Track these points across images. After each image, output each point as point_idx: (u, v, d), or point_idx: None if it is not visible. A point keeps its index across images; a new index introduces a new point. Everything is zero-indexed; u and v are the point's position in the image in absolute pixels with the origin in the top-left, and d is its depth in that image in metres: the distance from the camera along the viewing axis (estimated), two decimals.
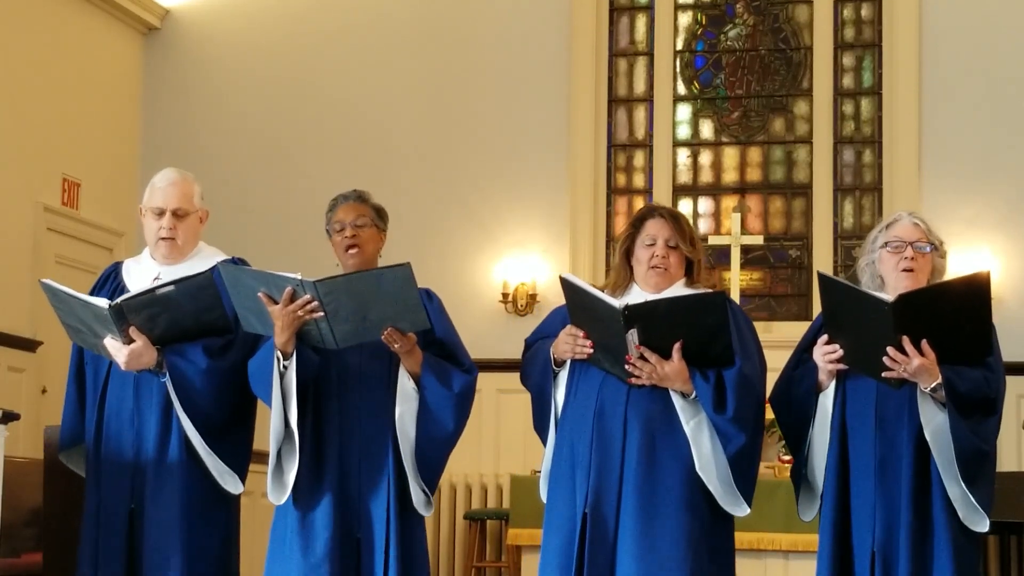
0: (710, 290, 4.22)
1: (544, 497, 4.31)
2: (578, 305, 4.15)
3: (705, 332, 4.02)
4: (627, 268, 4.32)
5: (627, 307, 3.98)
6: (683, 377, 4.04)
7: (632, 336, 3.99)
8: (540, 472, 4.39)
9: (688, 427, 4.08)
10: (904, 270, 4.12)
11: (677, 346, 4.02)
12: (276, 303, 4.12)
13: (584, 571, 4.07)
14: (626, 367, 4.05)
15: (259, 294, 4.13)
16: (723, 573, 4.16)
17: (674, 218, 4.28)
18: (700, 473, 4.06)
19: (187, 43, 9.94)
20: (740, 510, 4.12)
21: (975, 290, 3.92)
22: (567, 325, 4.19)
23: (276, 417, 4.23)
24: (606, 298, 4.06)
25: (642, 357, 4.03)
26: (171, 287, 4.25)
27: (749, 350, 4.14)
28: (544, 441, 4.36)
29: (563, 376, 4.27)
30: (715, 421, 4.05)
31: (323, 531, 4.26)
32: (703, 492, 4.09)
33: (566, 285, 4.15)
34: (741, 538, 6.94)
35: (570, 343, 4.14)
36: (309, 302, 4.09)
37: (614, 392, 4.13)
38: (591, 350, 4.11)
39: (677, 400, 4.08)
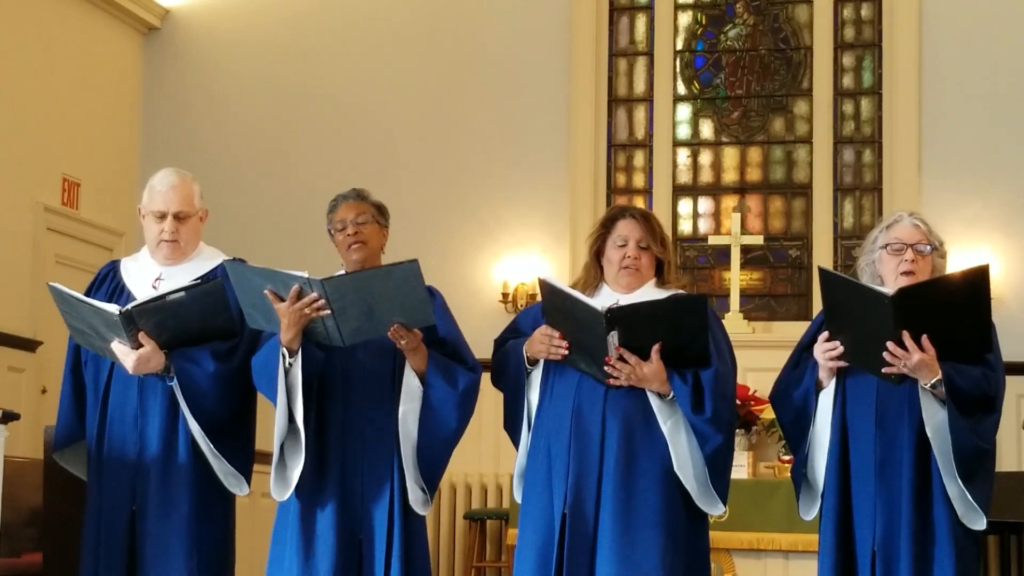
0: (682, 291, 4.25)
1: (518, 497, 4.32)
2: (556, 307, 4.16)
3: (685, 334, 4.05)
4: (597, 268, 4.34)
5: (610, 310, 3.99)
6: (661, 378, 4.07)
7: (612, 338, 4.01)
8: (514, 472, 4.40)
9: (665, 427, 4.11)
10: (904, 272, 4.12)
11: (656, 347, 4.04)
12: (282, 301, 4.12)
13: (564, 571, 4.08)
14: (605, 368, 4.05)
15: (265, 292, 4.13)
16: (699, 572, 4.18)
17: (645, 219, 4.31)
18: (677, 472, 4.09)
19: (187, 43, 9.94)
20: (716, 509, 4.16)
21: (975, 283, 3.92)
22: (541, 325, 4.20)
23: (280, 414, 4.23)
24: (587, 300, 4.08)
25: (621, 358, 4.03)
26: (182, 294, 4.24)
27: (722, 351, 4.18)
28: (515, 441, 4.37)
29: (536, 375, 4.28)
30: (693, 421, 4.08)
31: (325, 531, 4.27)
32: (680, 492, 4.12)
33: (544, 287, 4.16)
34: (741, 538, 6.99)
35: (545, 343, 4.15)
36: (316, 300, 4.09)
37: (592, 392, 4.15)
38: (567, 351, 4.12)
39: (654, 400, 4.11)
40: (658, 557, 4.04)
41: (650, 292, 4.26)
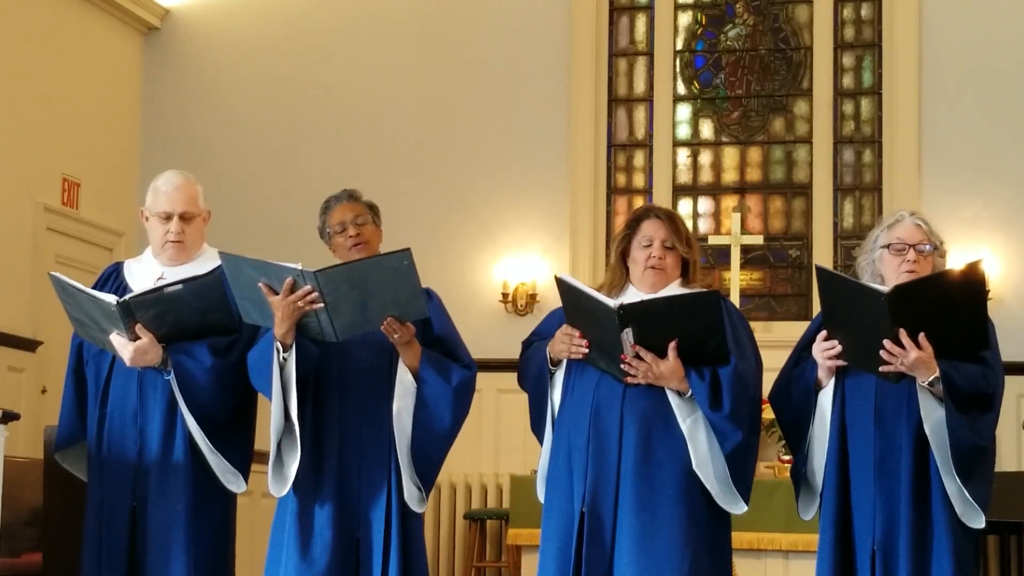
0: (705, 289, 4.23)
1: (541, 497, 4.32)
2: (573, 305, 4.16)
3: (700, 331, 4.03)
4: (623, 268, 4.34)
5: (622, 306, 3.99)
6: (679, 376, 4.05)
7: (627, 335, 4.01)
8: (537, 472, 4.40)
9: (684, 425, 4.09)
10: (907, 272, 4.12)
11: (672, 345, 4.03)
12: (276, 294, 4.13)
13: (582, 570, 4.08)
14: (622, 366, 4.05)
15: (259, 284, 4.13)
16: (719, 571, 4.16)
17: (670, 219, 4.30)
18: (697, 471, 4.07)
19: (187, 43, 9.94)
20: (737, 508, 4.12)
21: (970, 279, 3.92)
22: (563, 325, 4.20)
23: (276, 409, 4.23)
24: (601, 298, 4.07)
25: (638, 356, 4.03)
26: (179, 286, 4.26)
27: (744, 348, 4.16)
28: (541, 441, 4.37)
29: (559, 376, 4.28)
30: (711, 419, 4.06)
31: (323, 531, 4.27)
32: (700, 490, 4.09)
33: (562, 285, 4.16)
34: (741, 538, 6.99)
35: (566, 342, 4.15)
36: (309, 292, 4.09)
37: (610, 391, 4.14)
38: (587, 350, 4.12)
39: (673, 398, 4.09)
40: (676, 556, 4.02)
41: (674, 292, 4.25)
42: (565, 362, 4.26)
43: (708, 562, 4.10)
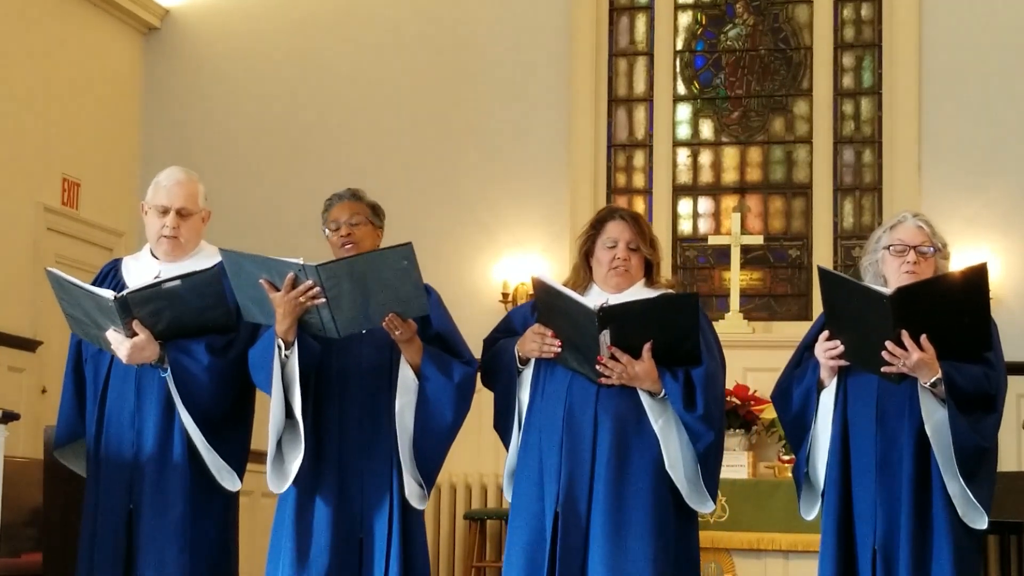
0: (671, 290, 4.27)
1: (508, 496, 4.33)
2: (549, 305, 4.17)
3: (676, 333, 4.07)
4: (586, 268, 4.36)
5: (602, 308, 4.01)
6: (652, 377, 4.09)
7: (604, 337, 4.02)
8: (504, 471, 4.41)
9: (657, 425, 4.12)
10: (907, 273, 4.12)
11: (647, 346, 4.05)
12: (278, 290, 4.12)
13: (556, 570, 4.09)
14: (597, 367, 4.06)
15: (261, 281, 4.12)
16: (690, 571, 4.19)
17: (635, 220, 4.34)
18: (669, 471, 4.10)
19: (187, 43, 9.94)
20: (706, 507, 4.18)
21: (973, 282, 3.92)
22: (533, 324, 4.20)
23: (276, 406, 4.22)
24: (580, 299, 4.09)
25: (613, 357, 4.04)
26: (177, 282, 4.25)
27: (712, 349, 4.21)
28: (505, 441, 4.38)
29: (527, 374, 4.29)
30: (685, 419, 4.10)
31: (323, 529, 4.27)
32: (671, 490, 4.13)
33: (538, 285, 4.17)
34: (741, 538, 7.00)
35: (538, 342, 4.17)
36: (311, 288, 4.08)
37: (583, 391, 4.16)
38: (559, 349, 4.13)
39: (645, 399, 4.13)
40: (650, 557, 4.06)
41: (639, 292, 4.28)
42: (533, 361, 4.26)
43: (680, 563, 4.14)
